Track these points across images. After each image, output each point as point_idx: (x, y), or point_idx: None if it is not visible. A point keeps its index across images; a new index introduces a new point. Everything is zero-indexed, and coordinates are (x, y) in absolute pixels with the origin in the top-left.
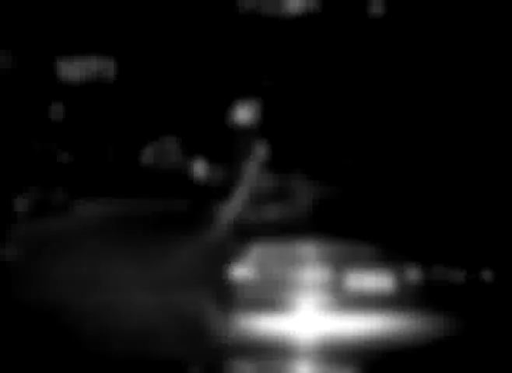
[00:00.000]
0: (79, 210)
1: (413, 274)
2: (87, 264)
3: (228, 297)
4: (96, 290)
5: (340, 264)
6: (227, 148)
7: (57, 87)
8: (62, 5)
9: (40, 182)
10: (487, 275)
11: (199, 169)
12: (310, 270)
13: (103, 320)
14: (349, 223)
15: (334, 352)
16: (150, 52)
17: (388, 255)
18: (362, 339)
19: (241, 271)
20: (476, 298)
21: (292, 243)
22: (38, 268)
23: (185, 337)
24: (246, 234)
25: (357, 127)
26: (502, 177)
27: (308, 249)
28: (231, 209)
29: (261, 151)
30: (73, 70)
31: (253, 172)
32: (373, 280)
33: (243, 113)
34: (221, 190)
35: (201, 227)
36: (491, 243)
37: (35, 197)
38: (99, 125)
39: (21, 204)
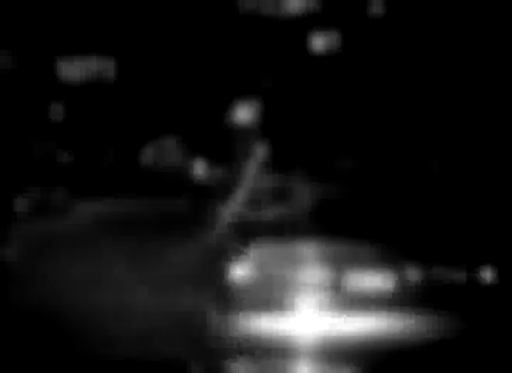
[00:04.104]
0: (79, 210)
1: (413, 274)
2: (87, 264)
3: (228, 297)
4: (95, 290)
5: (340, 264)
6: (227, 148)
7: (57, 87)
8: (62, 5)
9: (40, 182)
10: (488, 275)
11: (199, 169)
12: (310, 270)
13: (102, 321)
14: (349, 223)
15: (335, 352)
16: (150, 52)
17: (388, 255)
18: (362, 339)
19: (241, 271)
20: (477, 298)
21: (292, 243)
22: (38, 268)
23: (185, 338)
24: (246, 234)
25: (357, 127)
26: (502, 176)
27: (308, 249)
28: (231, 209)
29: (261, 151)
30: (73, 70)
31: (253, 172)
32: (373, 280)
33: (243, 113)
34: (221, 190)
35: (201, 227)
36: (492, 243)
37: (35, 197)
38: (99, 125)
39: (21, 204)
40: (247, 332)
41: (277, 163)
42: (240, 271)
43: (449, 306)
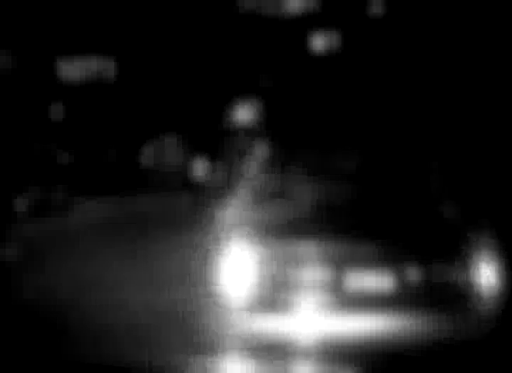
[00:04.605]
0: (79, 210)
1: (413, 274)
2: (87, 264)
3: (227, 297)
4: (95, 290)
5: (340, 264)
6: (227, 148)
7: (57, 87)
8: (62, 5)
9: (40, 182)
10: (488, 274)
11: (199, 168)
12: (310, 270)
13: (101, 321)
14: (349, 223)
15: (335, 352)
16: (150, 52)
17: (388, 254)
18: (363, 339)
19: (240, 271)
20: (477, 298)
21: (292, 243)
22: (38, 268)
23: (184, 337)
24: (246, 234)
25: (358, 126)
26: (502, 175)
27: (308, 249)
28: (231, 208)
29: (261, 150)
30: (73, 70)
31: (253, 171)
32: (373, 280)
33: (243, 113)
34: (221, 190)
35: (201, 226)
36: (492, 242)
37: (35, 197)
38: (100, 125)
39: (21, 204)
40: (247, 331)
41: (277, 163)
42: (239, 271)
43: (449, 306)
